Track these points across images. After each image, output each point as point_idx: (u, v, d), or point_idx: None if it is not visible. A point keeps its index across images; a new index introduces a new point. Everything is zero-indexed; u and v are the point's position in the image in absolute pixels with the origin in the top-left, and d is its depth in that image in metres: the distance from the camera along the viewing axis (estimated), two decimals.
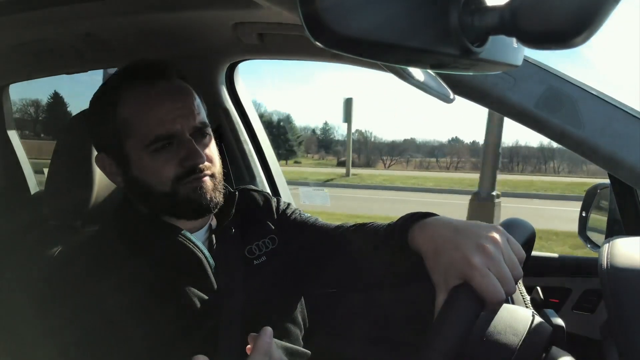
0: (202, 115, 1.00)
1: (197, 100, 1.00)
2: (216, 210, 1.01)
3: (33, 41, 1.19)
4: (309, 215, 1.19)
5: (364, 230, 1.04)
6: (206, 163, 0.97)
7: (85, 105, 1.05)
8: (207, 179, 0.97)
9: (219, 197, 0.99)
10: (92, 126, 1.03)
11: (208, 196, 0.97)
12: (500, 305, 0.74)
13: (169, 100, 0.95)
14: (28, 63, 1.43)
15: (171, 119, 0.94)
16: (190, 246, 0.98)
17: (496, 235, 0.77)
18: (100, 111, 1.00)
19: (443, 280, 0.76)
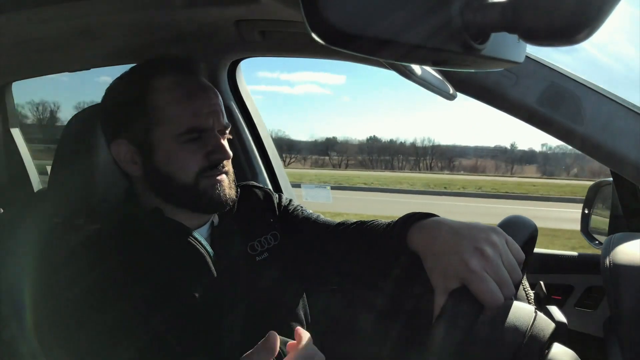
0: (226, 117, 1.03)
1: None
2: (228, 207, 1.02)
3: (35, 39, 1.19)
4: (311, 211, 1.19)
5: (364, 229, 1.04)
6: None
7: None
8: (224, 176, 1.00)
9: (233, 195, 1.02)
10: (112, 112, 1.03)
11: (226, 193, 1.00)
12: (499, 308, 0.74)
13: (205, 95, 0.99)
14: (30, 61, 1.43)
15: (205, 114, 0.97)
16: (193, 242, 0.98)
17: (494, 238, 0.77)
18: (127, 97, 1.00)
19: (441, 283, 0.76)
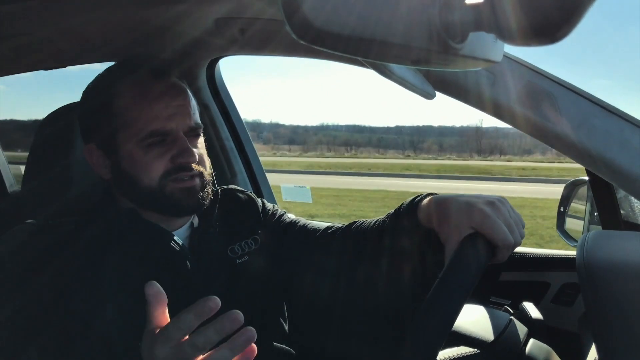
0: (197, 115, 1.01)
1: (193, 101, 1.01)
2: (200, 211, 1.01)
3: (10, 36, 1.17)
4: (295, 217, 1.20)
5: (360, 226, 1.07)
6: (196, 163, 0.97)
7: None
8: (194, 179, 0.97)
9: (205, 199, 0.99)
10: (84, 116, 1.02)
11: (194, 197, 0.97)
12: (509, 250, 0.80)
13: (167, 97, 0.96)
14: (4, 59, 1.40)
15: (168, 116, 0.94)
16: (172, 244, 0.97)
17: (500, 199, 0.86)
18: (95, 102, 0.99)
19: (454, 234, 0.82)
